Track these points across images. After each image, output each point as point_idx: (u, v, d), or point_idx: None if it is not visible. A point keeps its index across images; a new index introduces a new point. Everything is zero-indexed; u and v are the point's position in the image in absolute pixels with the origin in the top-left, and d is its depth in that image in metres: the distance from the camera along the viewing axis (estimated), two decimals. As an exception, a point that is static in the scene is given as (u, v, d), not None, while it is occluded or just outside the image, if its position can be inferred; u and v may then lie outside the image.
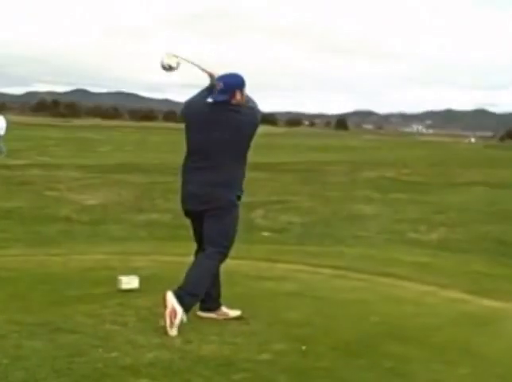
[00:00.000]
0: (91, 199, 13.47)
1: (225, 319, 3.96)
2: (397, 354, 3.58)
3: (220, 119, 3.68)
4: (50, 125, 69.96)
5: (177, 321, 3.58)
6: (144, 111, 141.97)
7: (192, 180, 3.78)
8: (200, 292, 3.73)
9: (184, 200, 3.85)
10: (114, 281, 4.67)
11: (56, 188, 14.95)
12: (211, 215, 3.73)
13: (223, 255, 3.80)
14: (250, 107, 3.76)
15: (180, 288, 3.66)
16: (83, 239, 8.65)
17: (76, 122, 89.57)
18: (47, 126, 64.75)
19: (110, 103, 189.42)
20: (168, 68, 3.76)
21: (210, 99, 3.69)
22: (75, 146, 33.91)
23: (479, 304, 5.11)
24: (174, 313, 3.56)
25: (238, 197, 3.80)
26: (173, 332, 3.58)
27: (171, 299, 3.57)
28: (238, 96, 3.68)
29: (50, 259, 5.99)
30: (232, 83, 3.69)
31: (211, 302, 3.98)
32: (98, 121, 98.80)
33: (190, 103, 3.88)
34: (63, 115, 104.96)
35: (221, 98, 3.67)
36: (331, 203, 14.95)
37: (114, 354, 3.28)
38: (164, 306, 3.58)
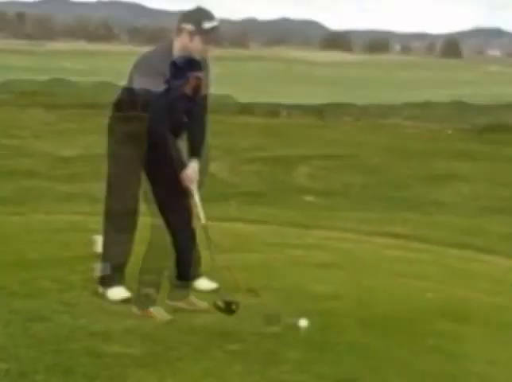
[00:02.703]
0: (65, 149, 14.09)
1: (193, 310, 4.56)
2: (448, 332, 4.09)
3: None
4: (13, 50, 70.76)
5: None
6: (150, 28, 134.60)
7: None
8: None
9: None
10: (87, 244, 5.20)
11: (18, 135, 15.62)
12: None
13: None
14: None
15: None
16: (52, 197, 9.37)
17: (50, 45, 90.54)
18: (8, 52, 65.45)
19: (100, 16, 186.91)
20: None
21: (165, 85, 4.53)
22: (47, 78, 34.78)
23: None
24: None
25: None
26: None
27: (159, 312, 4.21)
28: (193, 81, 4.55)
29: (8, 218, 6.65)
30: (186, 67, 4.53)
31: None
32: (81, 45, 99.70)
33: None
34: (30, 37, 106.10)
35: (177, 82, 4.52)
36: (409, 159, 15.27)
37: (82, 321, 3.86)
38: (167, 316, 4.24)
